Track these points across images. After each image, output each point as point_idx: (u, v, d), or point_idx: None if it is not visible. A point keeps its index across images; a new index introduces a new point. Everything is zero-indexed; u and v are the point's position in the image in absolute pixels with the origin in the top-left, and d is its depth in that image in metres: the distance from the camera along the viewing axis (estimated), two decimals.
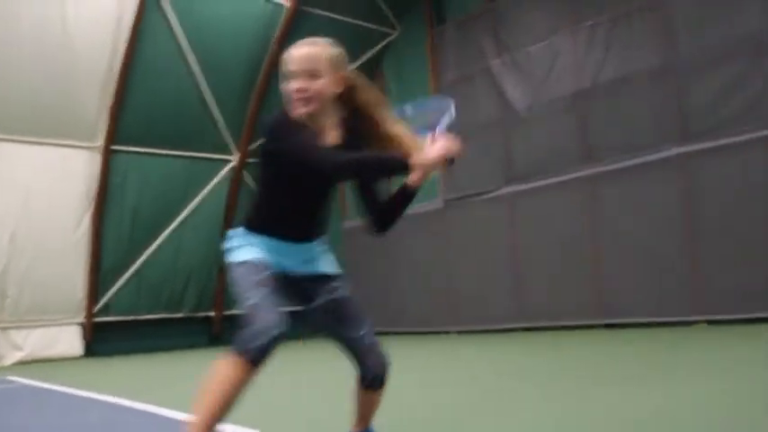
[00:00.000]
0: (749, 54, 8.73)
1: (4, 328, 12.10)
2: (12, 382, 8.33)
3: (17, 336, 12.24)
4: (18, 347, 12.23)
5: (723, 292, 8.81)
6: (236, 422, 2.99)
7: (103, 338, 13.08)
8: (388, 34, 14.46)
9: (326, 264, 2.71)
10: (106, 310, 13.13)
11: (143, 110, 12.79)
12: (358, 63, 14.39)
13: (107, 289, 13.13)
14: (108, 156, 12.72)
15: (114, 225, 13.05)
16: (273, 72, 13.69)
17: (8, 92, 11.64)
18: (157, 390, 6.45)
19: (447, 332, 12.74)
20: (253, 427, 3.46)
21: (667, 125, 9.48)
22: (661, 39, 9.59)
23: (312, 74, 2.48)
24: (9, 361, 12.03)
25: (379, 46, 14.44)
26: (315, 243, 2.68)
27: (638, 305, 9.75)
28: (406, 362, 7.35)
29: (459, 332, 12.48)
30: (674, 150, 9.36)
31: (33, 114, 11.95)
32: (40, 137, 12.23)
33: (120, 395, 5.46)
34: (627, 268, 9.91)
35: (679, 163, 9.33)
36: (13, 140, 12.00)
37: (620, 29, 10.04)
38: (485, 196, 12.07)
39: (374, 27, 14.21)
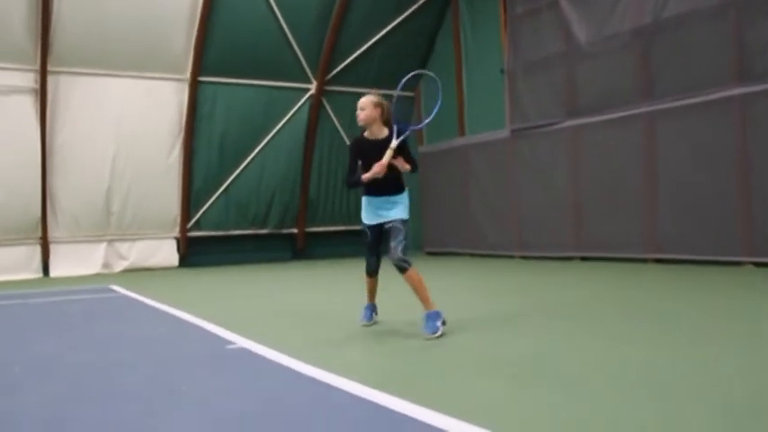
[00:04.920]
0: None
1: (111, 241, 13.67)
2: (113, 291, 9.65)
3: (122, 247, 13.82)
4: (123, 257, 13.84)
5: None
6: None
7: (196, 251, 14.48)
8: None
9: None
10: (198, 225, 14.47)
11: (226, 43, 13.61)
12: None
13: (198, 207, 14.41)
14: (195, 87, 13.70)
15: (204, 149, 14.18)
16: (348, 3, 14.10)
17: (104, 32, 12.75)
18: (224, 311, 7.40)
19: (512, 256, 13.27)
20: None
21: (726, 64, 9.33)
22: None
23: (362, 108, 4.92)
24: (117, 268, 13.68)
25: None
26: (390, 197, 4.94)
27: (687, 242, 9.91)
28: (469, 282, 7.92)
29: (523, 257, 12.97)
30: (733, 90, 9.25)
31: (127, 51, 13.04)
32: (135, 71, 13.36)
33: (190, 312, 6.44)
34: (679, 205, 10.03)
35: (736, 103, 9.23)
36: (111, 75, 13.18)
37: None
38: (548, 128, 12.23)
39: None
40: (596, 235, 11.42)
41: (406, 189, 5.06)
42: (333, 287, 9.46)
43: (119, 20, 12.71)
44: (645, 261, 10.53)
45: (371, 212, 5.01)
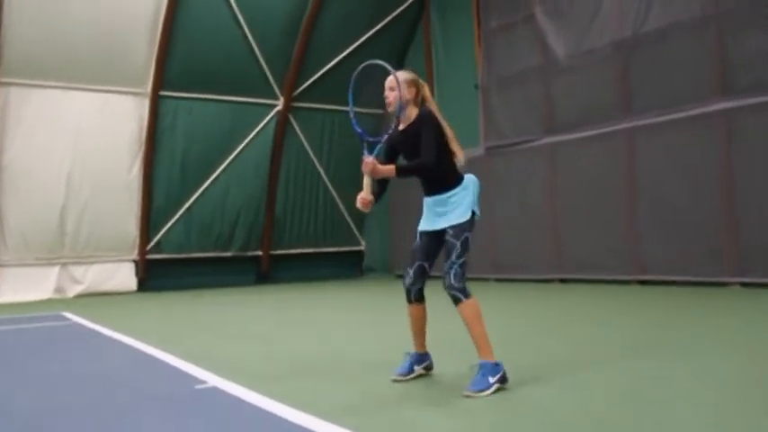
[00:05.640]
0: None
1: (65, 264, 12.88)
2: (66, 318, 8.92)
3: (76, 271, 13.02)
4: (78, 281, 13.04)
5: (759, 254, 8.61)
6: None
7: (156, 275, 13.72)
8: None
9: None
10: (158, 247, 13.74)
11: (189, 57, 13.06)
12: (404, 6, 14.25)
13: (159, 228, 13.70)
14: (156, 101, 13.06)
15: (165, 167, 13.51)
16: (316, 17, 13.68)
17: (60, 42, 12.07)
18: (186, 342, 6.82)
19: (486, 279, 12.84)
20: None
21: (708, 78, 9.13)
22: None
23: (391, 88, 3.85)
24: (71, 293, 12.88)
25: None
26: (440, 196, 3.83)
27: (671, 263, 9.61)
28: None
29: (498, 279, 12.56)
30: (716, 105, 9.04)
31: (84, 62, 12.36)
32: (92, 83, 12.67)
33: (152, 343, 5.82)
34: (662, 225, 9.75)
35: (720, 118, 9.01)
36: (66, 87, 12.47)
37: None
38: (525, 145, 11.92)
39: None
40: (576, 256, 11.07)
41: (466, 179, 3.85)
42: (305, 313, 8.90)
43: (76, 30, 12.07)
44: (628, 283, 10.19)
45: (424, 216, 3.95)
